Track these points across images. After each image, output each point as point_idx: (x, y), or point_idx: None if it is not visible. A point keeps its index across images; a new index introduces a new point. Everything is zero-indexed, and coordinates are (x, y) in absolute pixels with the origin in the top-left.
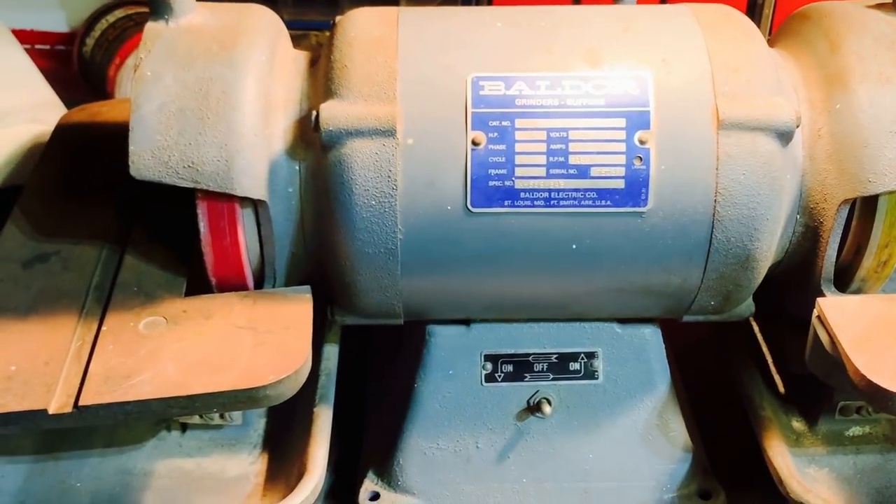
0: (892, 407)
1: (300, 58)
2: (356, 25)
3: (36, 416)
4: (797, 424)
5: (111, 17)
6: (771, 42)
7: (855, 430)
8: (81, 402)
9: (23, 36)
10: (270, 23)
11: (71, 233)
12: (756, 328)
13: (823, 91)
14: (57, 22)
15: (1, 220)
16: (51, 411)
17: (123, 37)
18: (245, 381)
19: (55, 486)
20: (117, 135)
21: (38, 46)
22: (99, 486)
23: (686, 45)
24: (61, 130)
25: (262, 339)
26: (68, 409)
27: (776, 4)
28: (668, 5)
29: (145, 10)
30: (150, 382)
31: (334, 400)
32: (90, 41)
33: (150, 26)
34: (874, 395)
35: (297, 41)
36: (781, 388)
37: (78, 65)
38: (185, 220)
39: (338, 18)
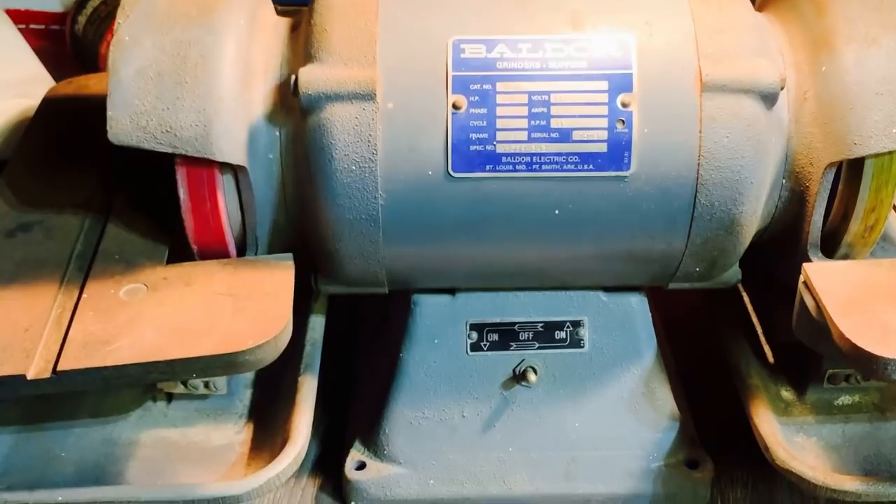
0: (876, 371)
1: (281, 23)
2: None
3: (14, 382)
4: (786, 394)
5: None
6: (759, 6)
7: (844, 399)
8: (59, 368)
9: (17, 16)
10: None
11: (54, 203)
12: (746, 298)
13: (810, 54)
14: (51, 1)
15: None
16: (29, 377)
17: (114, 14)
18: (224, 346)
19: (40, 456)
20: (103, 107)
21: (32, 26)
22: (84, 455)
23: (670, 7)
24: (48, 103)
25: (243, 306)
26: (46, 374)
27: None
28: None
29: None
30: (128, 348)
31: (323, 371)
32: (82, 19)
33: None
34: (859, 359)
35: (289, 17)
36: (771, 359)
37: (70, 43)
38: (167, 189)
39: None
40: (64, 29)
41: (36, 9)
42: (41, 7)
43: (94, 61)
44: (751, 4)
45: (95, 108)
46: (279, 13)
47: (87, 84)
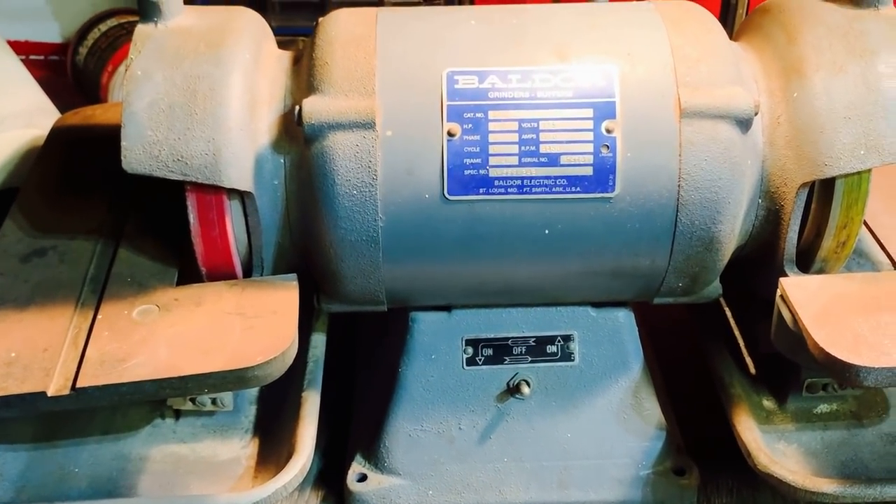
0: (849, 377)
1: (284, 57)
2: (337, 24)
3: (35, 399)
4: (767, 403)
5: (103, 27)
6: (735, 36)
7: (823, 408)
8: (78, 385)
9: (17, 47)
10: (255, 24)
11: (67, 228)
12: (728, 312)
13: (782, 80)
14: (51, 32)
15: (0, 220)
16: (49, 394)
17: (115, 45)
18: (234, 362)
19: (54, 472)
20: (110, 135)
21: (32, 57)
22: (96, 470)
23: (650, 38)
24: (57, 132)
25: (251, 324)
26: (66, 391)
27: (749, 4)
28: (633, 2)
29: (136, 19)
30: (143, 365)
31: (324, 389)
32: (83, 50)
33: (141, 28)
34: (832, 367)
35: (284, 47)
36: (752, 370)
37: (71, 73)
38: (176, 214)
39: (320, 19)
40: (63, 59)
41: (35, 40)
42: (40, 38)
43: (95, 91)
44: (726, 34)
45: (103, 136)
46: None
47: (93, 114)
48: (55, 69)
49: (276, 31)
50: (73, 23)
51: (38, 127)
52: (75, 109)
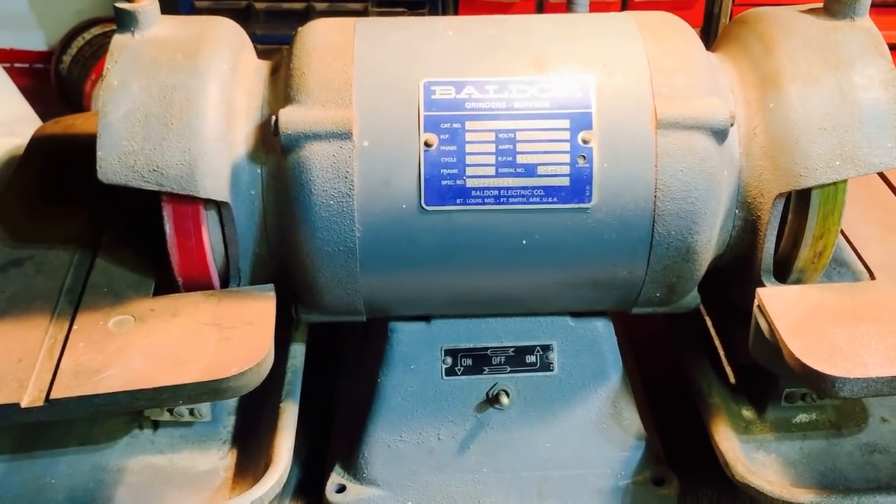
0: (825, 388)
1: (262, 67)
2: (315, 35)
3: (9, 410)
4: (747, 413)
5: (87, 35)
6: (713, 47)
7: (802, 417)
8: (52, 396)
9: (1, 55)
10: (233, 34)
11: (45, 238)
12: (708, 322)
13: (758, 91)
14: (35, 41)
15: None
16: (23, 405)
17: (99, 53)
18: (209, 373)
19: (31, 483)
20: (90, 145)
21: (17, 65)
22: (74, 482)
23: (627, 49)
24: (36, 142)
25: (227, 335)
26: (40, 402)
27: (732, 15)
28: (611, 13)
29: None
30: (118, 376)
31: (304, 399)
32: (67, 58)
33: (117, 38)
34: (808, 377)
35: (268, 55)
36: (732, 379)
37: (55, 81)
38: (154, 224)
39: (299, 29)
40: (48, 67)
41: (19, 48)
42: (25, 46)
43: (78, 99)
44: (703, 45)
45: (83, 146)
46: (258, 52)
47: (73, 123)
48: (39, 77)
49: (260, 40)
50: (58, 31)
51: (19, 135)
52: (55, 119)
